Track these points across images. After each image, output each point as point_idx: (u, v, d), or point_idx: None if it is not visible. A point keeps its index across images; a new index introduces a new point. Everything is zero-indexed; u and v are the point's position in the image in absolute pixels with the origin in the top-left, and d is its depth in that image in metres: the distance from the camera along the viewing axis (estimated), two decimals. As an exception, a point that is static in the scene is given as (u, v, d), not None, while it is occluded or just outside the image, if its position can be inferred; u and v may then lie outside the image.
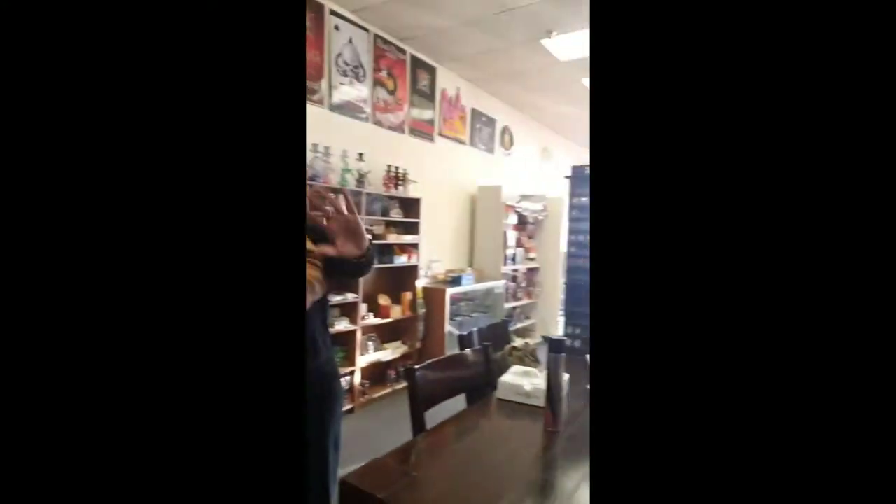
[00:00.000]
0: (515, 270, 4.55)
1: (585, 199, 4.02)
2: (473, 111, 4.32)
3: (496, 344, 1.71)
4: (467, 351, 1.57)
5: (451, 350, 3.46)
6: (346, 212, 0.95)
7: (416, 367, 1.33)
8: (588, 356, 1.51)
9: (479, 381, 1.53)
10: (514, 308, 4.57)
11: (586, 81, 3.91)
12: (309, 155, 2.73)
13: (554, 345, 1.18)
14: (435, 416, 1.30)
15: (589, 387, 1.42)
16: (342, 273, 1.14)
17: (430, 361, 1.40)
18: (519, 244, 4.57)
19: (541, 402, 1.22)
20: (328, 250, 0.94)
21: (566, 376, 1.36)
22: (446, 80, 3.96)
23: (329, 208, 0.93)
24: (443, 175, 3.97)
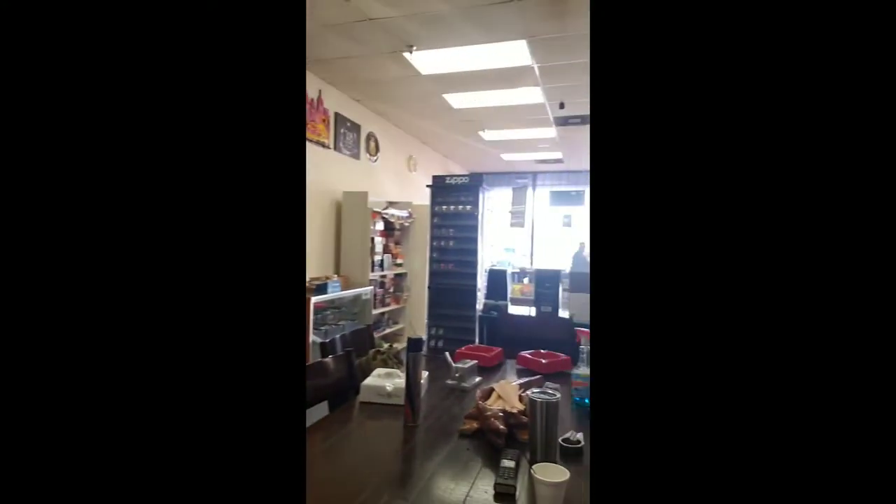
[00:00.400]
0: (383, 276, 4.60)
1: (446, 207, 4.27)
2: (337, 115, 4.26)
3: (360, 349, 1.73)
4: (328, 358, 1.56)
5: (316, 359, 3.35)
6: None
7: (274, 378, 1.28)
8: (447, 353, 1.62)
9: (341, 387, 1.53)
10: (383, 314, 4.61)
11: (447, 96, 4.16)
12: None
13: (412, 344, 1.25)
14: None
15: (448, 382, 1.53)
16: None
17: (289, 372, 1.36)
18: (386, 250, 4.63)
19: (402, 400, 1.28)
20: None
21: (425, 374, 1.44)
22: (308, 82, 3.84)
23: None
24: (307, 180, 3.83)
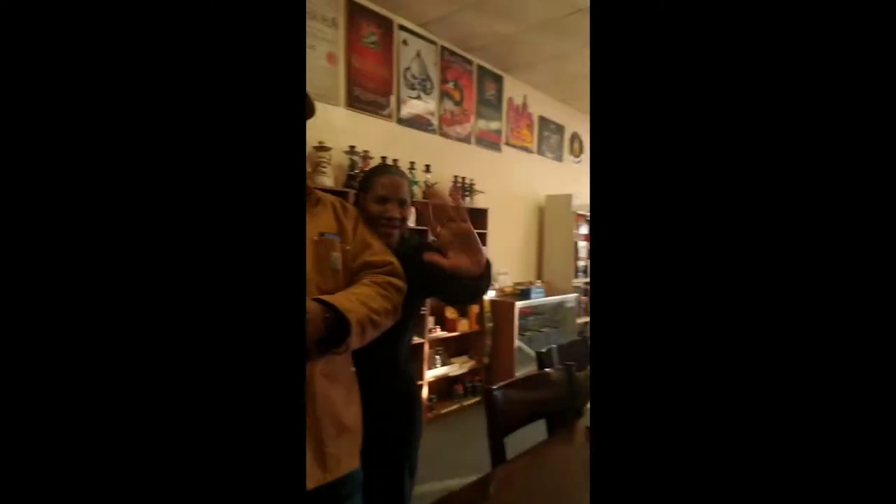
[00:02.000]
0: (588, 283, 4.30)
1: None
2: (541, 119, 4.19)
3: (578, 363, 1.56)
4: (548, 370, 1.44)
5: (521, 367, 3.32)
6: (460, 220, 0.82)
7: (495, 387, 1.23)
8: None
9: (561, 405, 1.40)
10: (587, 323, 4.31)
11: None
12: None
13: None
14: (512, 442, 1.18)
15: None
16: (454, 296, 1.03)
17: (509, 381, 1.29)
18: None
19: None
20: (440, 260, 0.82)
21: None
22: (513, 89, 3.88)
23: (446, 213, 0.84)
24: (510, 185, 3.86)
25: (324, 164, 2.45)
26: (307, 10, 2.49)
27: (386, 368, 1.10)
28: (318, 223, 0.89)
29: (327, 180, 2.46)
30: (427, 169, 3.06)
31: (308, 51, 2.50)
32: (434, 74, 3.23)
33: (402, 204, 1.08)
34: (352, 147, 2.60)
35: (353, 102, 2.73)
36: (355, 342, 0.79)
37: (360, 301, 0.82)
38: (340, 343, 0.78)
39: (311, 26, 2.52)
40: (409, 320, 1.13)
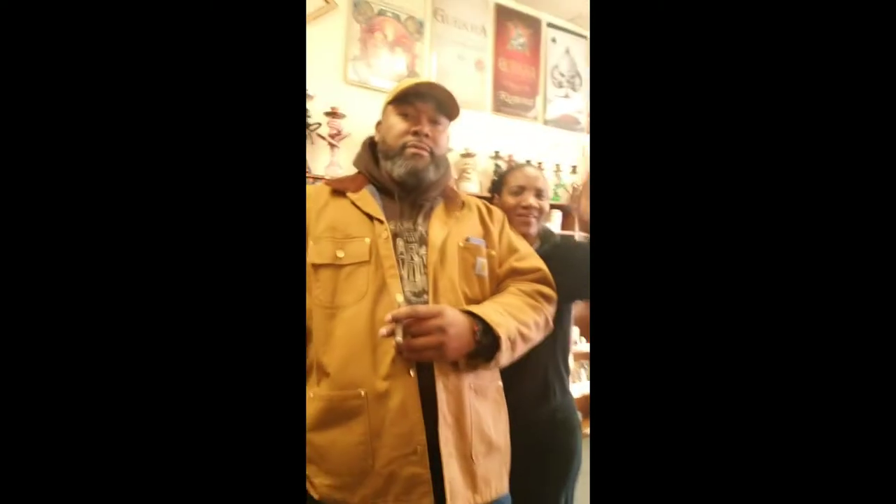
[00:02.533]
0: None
1: None
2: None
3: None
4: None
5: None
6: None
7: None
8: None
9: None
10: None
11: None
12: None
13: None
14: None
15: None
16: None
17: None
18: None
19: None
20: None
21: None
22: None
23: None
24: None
25: (468, 171, 2.50)
26: (457, 19, 2.57)
27: (536, 387, 1.03)
28: (464, 227, 0.87)
29: (472, 186, 2.49)
30: (573, 171, 2.90)
31: (457, 60, 2.58)
32: (584, 69, 3.05)
33: (538, 194, 1.08)
34: (496, 152, 2.60)
35: (499, 106, 2.72)
36: (504, 359, 0.75)
37: (508, 313, 0.77)
38: (490, 358, 0.74)
39: (461, 36, 2.59)
40: (560, 332, 1.05)
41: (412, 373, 0.72)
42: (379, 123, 0.92)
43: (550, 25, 2.91)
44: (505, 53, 2.74)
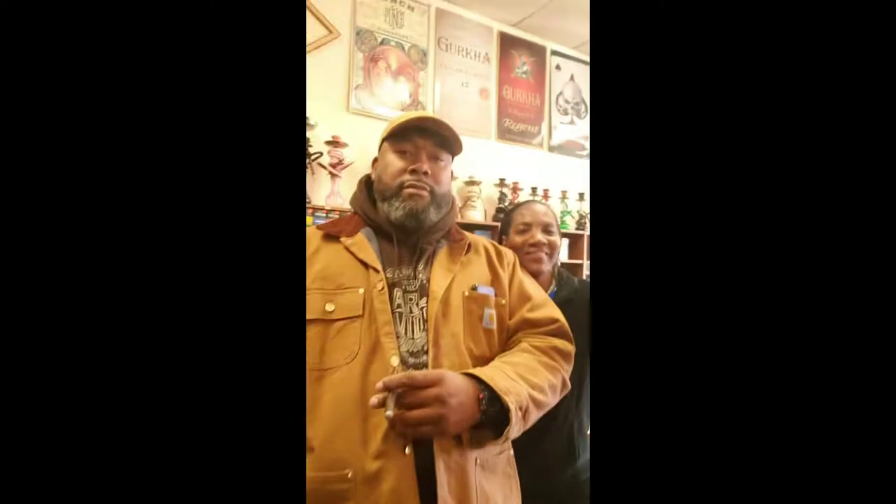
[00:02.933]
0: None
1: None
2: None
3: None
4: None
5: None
6: None
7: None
8: None
9: None
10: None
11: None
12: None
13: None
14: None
15: None
16: None
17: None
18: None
19: None
20: None
21: None
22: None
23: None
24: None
25: (473, 199, 2.44)
26: (461, 48, 2.56)
27: (559, 448, 0.93)
28: (470, 274, 0.79)
29: (477, 214, 2.43)
30: (580, 197, 2.84)
31: (462, 88, 2.55)
32: (588, 96, 3.02)
33: (546, 230, 1.02)
34: (501, 179, 2.55)
35: (503, 134, 2.69)
36: (514, 432, 0.65)
37: (519, 375, 0.68)
38: (498, 432, 0.65)
39: (465, 64, 2.57)
40: (581, 392, 0.95)
41: (408, 450, 0.62)
42: (375, 161, 0.85)
43: (555, 53, 2.90)
44: (509, 81, 2.71)
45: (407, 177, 0.77)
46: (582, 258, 2.66)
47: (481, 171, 2.52)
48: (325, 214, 1.98)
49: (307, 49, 2.13)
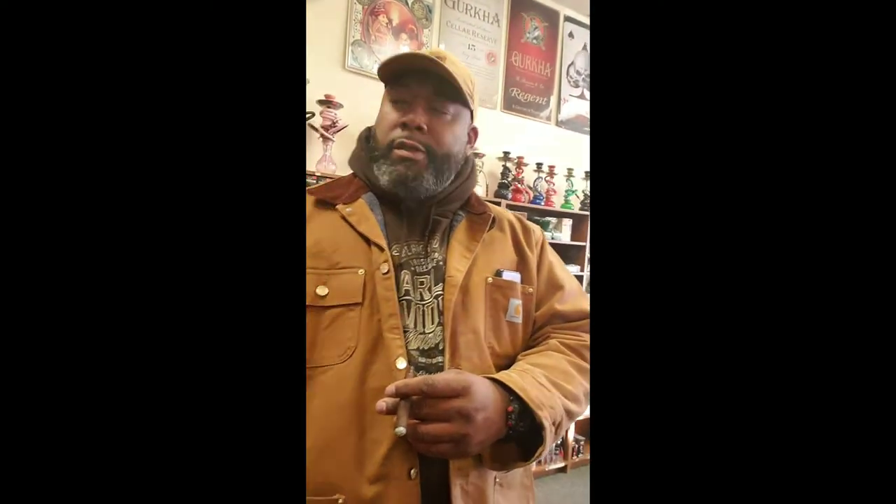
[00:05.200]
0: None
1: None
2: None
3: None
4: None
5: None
6: None
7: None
8: None
9: None
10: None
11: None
12: (531, 176, 2.49)
13: None
14: None
15: None
16: None
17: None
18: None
19: None
20: None
21: None
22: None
23: None
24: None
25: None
26: (469, 6, 2.35)
27: None
28: (493, 255, 0.64)
29: (478, 189, 2.28)
30: (586, 176, 2.70)
31: (468, 51, 2.36)
32: (601, 69, 2.85)
33: None
34: (506, 153, 2.39)
35: (510, 104, 2.51)
36: (545, 452, 0.52)
37: (551, 382, 0.55)
38: (526, 451, 0.52)
39: (472, 24, 2.37)
40: None
41: (413, 473, 0.50)
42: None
43: (568, 19, 2.70)
44: (519, 47, 2.52)
45: (398, 132, 0.60)
46: (585, 240, 2.54)
47: (484, 143, 2.35)
48: (315, 182, 1.82)
49: (300, -5, 1.92)
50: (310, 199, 0.64)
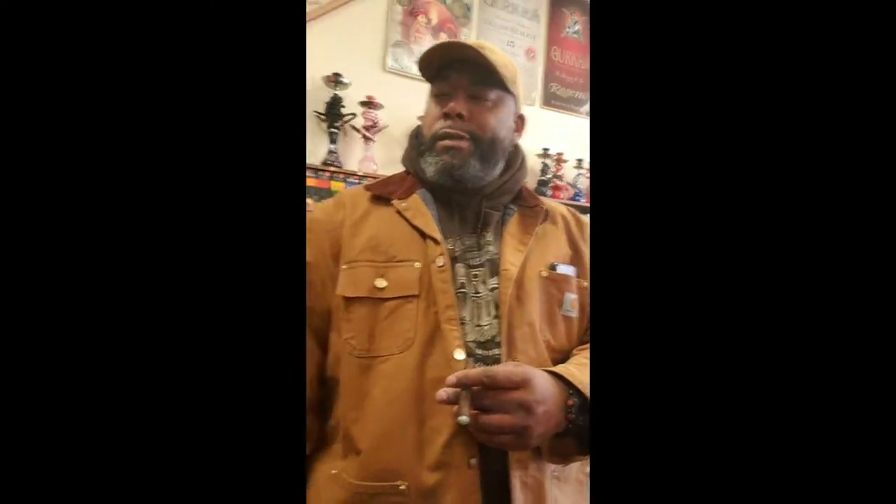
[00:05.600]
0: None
1: None
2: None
3: None
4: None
5: None
6: None
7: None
8: None
9: None
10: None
11: None
12: (571, 172, 2.45)
13: None
14: None
15: None
16: None
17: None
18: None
19: None
20: None
21: None
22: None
23: None
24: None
25: (515, 169, 2.27)
26: (508, 2, 2.34)
27: None
28: (547, 249, 0.64)
29: (518, 186, 2.27)
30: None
31: (507, 48, 2.35)
32: (644, 62, 2.76)
33: None
34: (545, 150, 2.36)
35: (550, 100, 2.48)
36: None
37: None
38: (584, 444, 0.52)
39: (511, 20, 2.36)
40: None
41: (473, 462, 0.50)
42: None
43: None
44: (558, 41, 2.48)
45: (440, 124, 0.61)
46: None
47: (524, 139, 2.33)
48: (357, 181, 1.86)
49: (343, 1, 1.97)
50: (366, 195, 0.66)
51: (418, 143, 0.67)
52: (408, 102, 2.06)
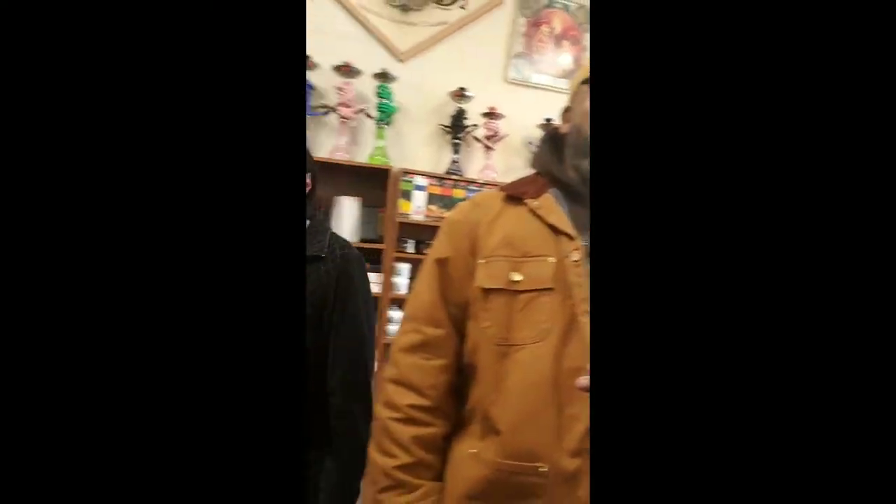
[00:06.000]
0: None
1: None
2: None
3: None
4: None
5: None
6: None
7: None
8: None
9: None
10: None
11: None
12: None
13: None
14: None
15: None
16: None
17: None
18: None
19: None
20: None
21: None
22: None
23: None
24: None
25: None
26: None
27: None
28: None
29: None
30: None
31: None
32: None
33: None
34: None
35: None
36: None
37: None
38: None
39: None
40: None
41: None
42: (567, 111, 0.73)
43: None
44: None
45: None
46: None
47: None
48: (477, 188, 1.93)
49: (471, 19, 2.08)
50: (500, 196, 0.70)
51: (570, 143, 0.67)
52: (527, 112, 2.09)
